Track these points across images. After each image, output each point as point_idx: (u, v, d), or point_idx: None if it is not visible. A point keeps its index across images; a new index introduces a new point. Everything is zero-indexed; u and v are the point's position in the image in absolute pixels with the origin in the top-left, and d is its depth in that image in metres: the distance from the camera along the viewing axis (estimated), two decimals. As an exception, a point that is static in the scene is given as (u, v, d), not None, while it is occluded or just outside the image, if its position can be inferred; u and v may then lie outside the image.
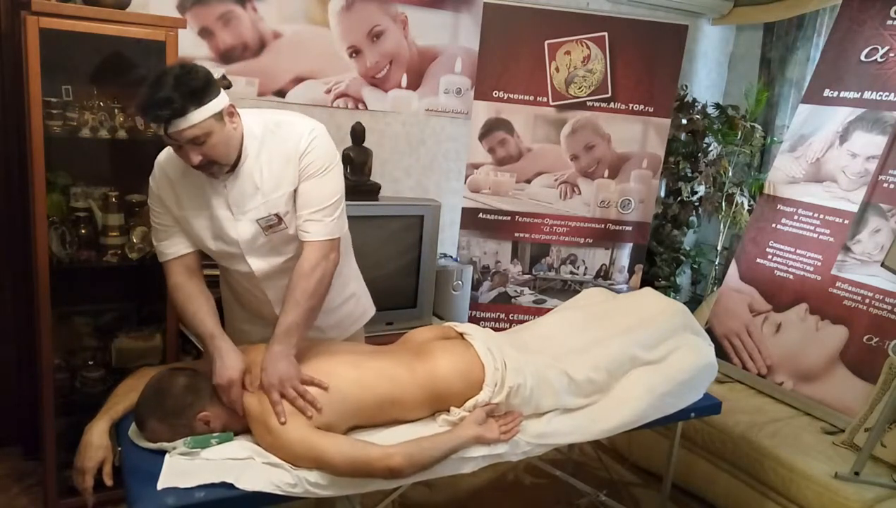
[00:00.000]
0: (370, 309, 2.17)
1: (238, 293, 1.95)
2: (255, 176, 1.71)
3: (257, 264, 1.81)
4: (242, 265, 1.81)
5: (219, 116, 1.59)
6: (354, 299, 2.07)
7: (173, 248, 1.78)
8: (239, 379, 1.63)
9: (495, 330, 2.15)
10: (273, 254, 1.81)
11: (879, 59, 2.97)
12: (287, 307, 1.69)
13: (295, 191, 1.73)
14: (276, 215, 1.74)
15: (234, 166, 1.69)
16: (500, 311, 3.43)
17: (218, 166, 1.64)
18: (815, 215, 3.03)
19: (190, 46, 2.76)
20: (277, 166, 1.72)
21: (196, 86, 1.54)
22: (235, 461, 1.57)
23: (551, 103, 3.25)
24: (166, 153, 1.76)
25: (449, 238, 3.49)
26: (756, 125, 3.81)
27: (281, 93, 3.04)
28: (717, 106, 3.91)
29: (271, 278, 1.84)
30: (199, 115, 1.54)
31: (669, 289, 3.98)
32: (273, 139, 1.72)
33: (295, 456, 1.57)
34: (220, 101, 1.60)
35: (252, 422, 1.63)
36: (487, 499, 2.79)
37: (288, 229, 1.77)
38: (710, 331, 3.08)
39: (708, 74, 4.29)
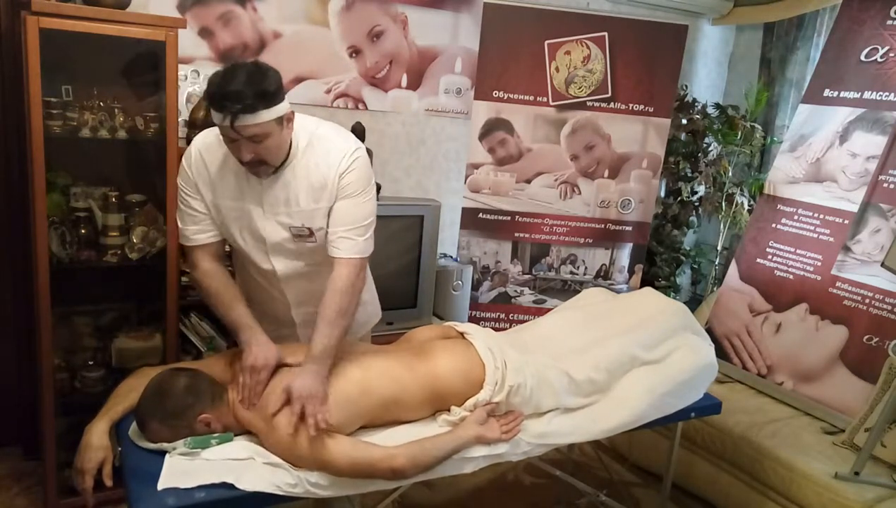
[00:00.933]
0: (375, 316, 2.20)
1: (253, 290, 1.95)
2: (291, 183, 1.73)
3: (280, 264, 1.83)
4: (265, 263, 1.82)
5: (279, 120, 1.62)
6: (363, 307, 2.07)
7: (203, 235, 1.79)
8: (272, 366, 1.66)
9: (495, 330, 2.15)
10: (297, 258, 1.83)
11: (879, 59, 2.97)
12: (322, 326, 1.69)
13: (330, 209, 1.75)
14: (309, 229, 1.77)
15: (276, 169, 1.71)
16: (500, 311, 3.43)
17: (265, 166, 1.66)
18: (815, 215, 3.03)
19: (190, 46, 2.76)
20: (316, 180, 1.73)
21: (268, 88, 1.57)
22: (236, 461, 1.57)
23: (551, 103, 3.25)
24: (204, 139, 1.77)
25: (449, 238, 3.49)
26: (756, 125, 3.81)
27: (281, 93, 3.04)
28: (717, 106, 3.91)
29: (291, 279, 1.86)
30: (265, 116, 1.57)
31: (669, 289, 3.98)
32: (314, 152, 1.73)
33: (298, 457, 1.57)
34: (284, 106, 1.63)
35: (256, 420, 1.63)
36: (487, 499, 2.79)
37: (316, 242, 1.79)
38: (710, 331, 3.08)
39: (708, 74, 4.29)
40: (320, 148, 1.74)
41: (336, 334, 1.69)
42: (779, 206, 3.16)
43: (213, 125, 2.33)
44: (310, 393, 1.59)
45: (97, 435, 1.59)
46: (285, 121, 1.64)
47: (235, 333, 1.75)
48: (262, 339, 1.70)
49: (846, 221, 2.92)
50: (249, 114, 1.55)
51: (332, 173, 1.73)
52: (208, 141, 1.76)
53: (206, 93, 1.60)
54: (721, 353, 2.88)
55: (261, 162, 1.64)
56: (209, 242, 1.80)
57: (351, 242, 1.76)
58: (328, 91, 3.15)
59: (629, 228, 3.43)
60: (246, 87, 1.53)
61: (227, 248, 1.91)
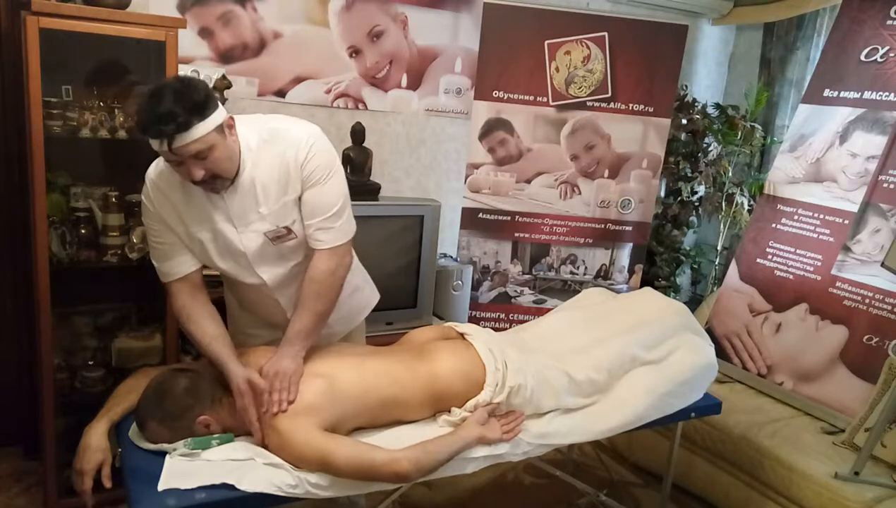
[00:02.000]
0: (374, 297, 2.16)
1: (247, 302, 1.93)
2: (255, 188, 1.68)
3: (268, 274, 1.79)
4: (252, 277, 1.78)
5: (220, 129, 1.55)
6: (358, 292, 2.06)
7: (177, 268, 1.74)
8: (246, 385, 1.63)
9: (495, 330, 2.15)
10: (282, 262, 1.79)
11: (879, 59, 2.97)
12: (299, 311, 1.70)
13: (299, 198, 1.71)
14: (286, 227, 1.73)
15: (233, 179, 1.65)
16: (500, 311, 3.43)
17: (220, 180, 1.61)
18: (815, 215, 3.03)
19: (190, 46, 2.76)
20: (279, 175, 1.68)
21: (198, 99, 1.50)
22: (236, 462, 1.57)
23: (551, 103, 3.25)
24: (156, 169, 1.71)
25: (449, 238, 3.49)
26: (756, 125, 3.81)
27: (281, 94, 3.04)
28: (717, 106, 3.91)
29: (283, 285, 1.82)
30: (202, 129, 1.50)
31: (669, 289, 3.98)
32: (269, 149, 1.67)
33: (300, 458, 1.57)
34: (221, 114, 1.57)
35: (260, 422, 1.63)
36: (487, 499, 2.79)
37: (297, 237, 1.75)
38: (710, 331, 3.08)
39: (708, 74, 4.29)
40: (274, 144, 1.67)
41: (311, 318, 1.68)
42: (779, 206, 3.16)
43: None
44: (277, 371, 1.61)
45: (96, 436, 1.59)
46: (226, 128, 1.58)
47: (218, 364, 1.70)
48: (237, 368, 1.66)
49: (846, 221, 2.92)
50: (185, 132, 1.48)
51: (292, 164, 1.67)
52: (160, 170, 1.69)
53: (136, 123, 1.53)
54: (721, 353, 2.88)
55: (214, 177, 1.58)
56: (186, 273, 1.75)
57: (329, 232, 1.72)
58: (328, 91, 3.15)
59: (629, 228, 3.43)
60: (175, 105, 1.46)
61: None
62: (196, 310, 1.74)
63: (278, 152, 1.67)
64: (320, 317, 1.71)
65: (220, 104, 1.58)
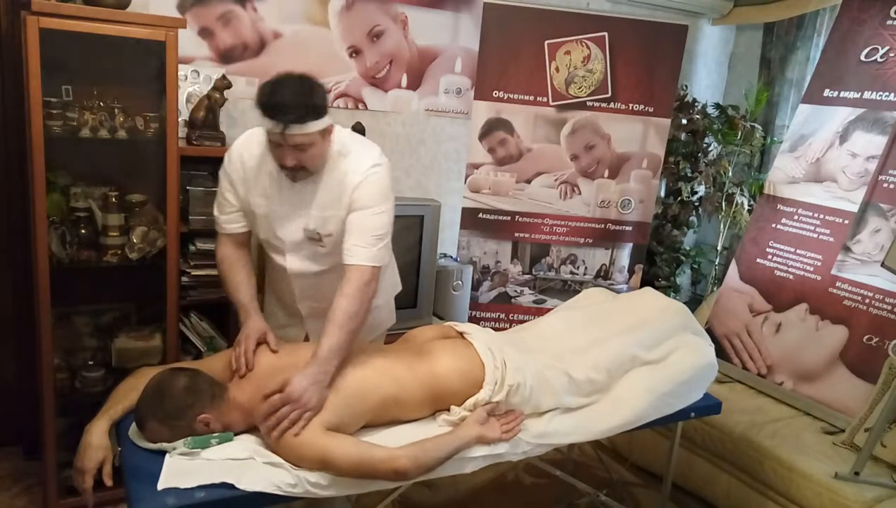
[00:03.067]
0: (389, 320, 2.25)
1: (273, 278, 2.10)
2: (317, 190, 1.85)
3: (293, 263, 1.94)
4: (281, 258, 1.95)
5: (323, 132, 1.75)
6: (376, 310, 2.08)
7: (232, 225, 1.95)
8: (253, 339, 1.76)
9: (495, 330, 2.15)
10: (311, 260, 1.94)
11: (879, 59, 2.97)
12: (329, 330, 1.71)
13: (344, 217, 1.84)
14: (319, 234, 1.88)
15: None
16: (500, 311, 3.43)
17: (304, 172, 1.79)
18: (815, 215, 3.03)
19: (190, 46, 2.76)
20: (336, 191, 1.84)
21: (318, 103, 1.71)
22: (236, 461, 1.57)
23: (551, 103, 3.25)
24: (247, 140, 1.90)
25: (449, 238, 3.49)
26: (756, 125, 3.81)
27: (281, 93, 3.04)
28: (717, 106, 3.91)
29: (301, 278, 1.97)
30: (313, 127, 1.70)
31: (669, 289, 3.98)
32: (340, 163, 1.84)
33: (300, 457, 1.57)
34: (327, 120, 1.76)
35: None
36: (487, 499, 2.79)
37: (325, 248, 1.90)
38: (710, 331, 3.08)
39: (708, 74, 4.29)
40: (345, 160, 1.84)
41: (342, 337, 1.70)
42: (779, 206, 3.16)
43: (212, 127, 2.38)
44: (299, 397, 1.59)
45: (97, 435, 1.59)
46: (326, 133, 1.78)
47: (238, 312, 1.89)
48: (254, 318, 1.83)
49: (846, 221, 2.92)
50: (299, 125, 1.67)
51: (348, 187, 1.82)
52: (249, 142, 1.89)
53: (258, 101, 1.70)
54: (721, 353, 2.89)
55: (301, 168, 1.76)
56: (234, 232, 1.95)
57: (364, 250, 1.81)
58: (328, 91, 3.14)
59: (629, 228, 3.43)
60: (298, 99, 1.67)
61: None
62: (234, 260, 1.95)
63: (342, 170, 1.84)
64: (349, 336, 1.73)
65: (328, 110, 1.76)
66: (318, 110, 1.71)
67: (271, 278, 2.12)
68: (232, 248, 1.96)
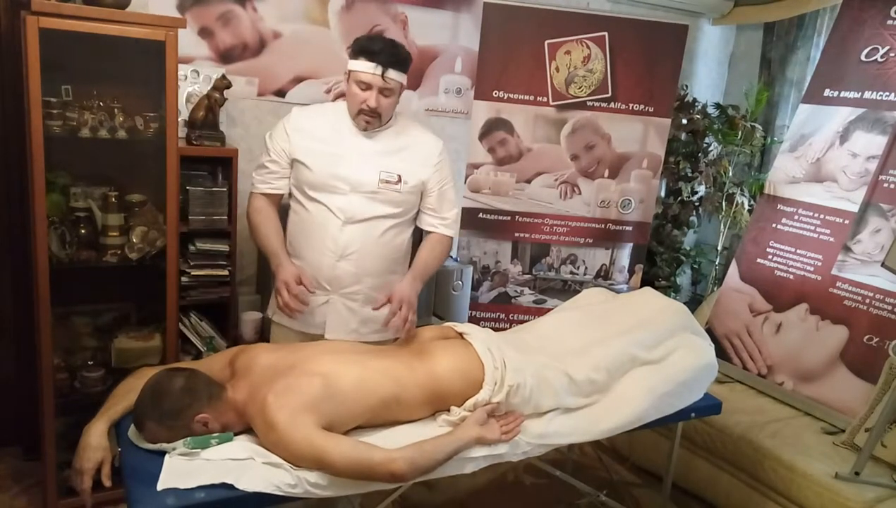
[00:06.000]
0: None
1: (305, 243, 2.10)
2: (397, 142, 2.08)
3: (353, 202, 2.03)
4: (338, 200, 2.04)
5: (401, 88, 2.03)
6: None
7: (269, 186, 2.10)
8: (293, 283, 1.94)
9: (495, 330, 2.15)
10: (367, 207, 2.05)
11: (880, 59, 2.97)
12: (423, 254, 2.12)
13: (421, 185, 2.11)
14: (398, 176, 2.05)
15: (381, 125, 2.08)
16: (500, 311, 3.43)
17: (377, 118, 2.01)
18: (816, 215, 3.03)
19: (190, 46, 2.75)
20: (422, 150, 2.12)
21: (408, 60, 2.01)
22: (235, 461, 1.56)
23: (551, 103, 3.25)
24: (306, 112, 2.11)
25: (449, 238, 3.49)
26: (756, 125, 3.80)
27: (281, 93, 3.04)
28: (718, 106, 3.91)
29: (347, 226, 2.04)
30: (401, 77, 1.99)
31: (669, 289, 3.98)
32: (407, 128, 2.13)
33: (297, 456, 1.56)
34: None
35: (256, 419, 1.63)
36: (487, 499, 2.79)
37: (399, 193, 2.06)
38: (710, 331, 3.08)
39: (708, 74, 4.29)
40: (413, 126, 2.15)
41: (433, 261, 2.13)
42: (779, 206, 3.16)
43: (211, 127, 2.39)
44: (402, 298, 1.97)
45: (96, 436, 1.59)
46: (402, 90, 2.04)
47: (269, 259, 2.05)
48: (286, 264, 2.00)
49: (846, 221, 2.91)
50: (396, 70, 1.95)
51: (429, 160, 2.11)
52: (312, 116, 2.10)
53: (360, 45, 1.95)
54: (721, 353, 2.88)
55: (376, 112, 1.98)
56: (270, 193, 2.11)
57: (449, 226, 2.18)
58: (328, 91, 3.14)
59: (629, 228, 3.43)
60: (397, 49, 1.96)
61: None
62: (268, 212, 2.11)
63: (415, 135, 2.14)
64: (428, 275, 2.14)
65: None
66: (407, 66, 1.99)
67: (309, 237, 2.09)
68: (265, 203, 2.10)
